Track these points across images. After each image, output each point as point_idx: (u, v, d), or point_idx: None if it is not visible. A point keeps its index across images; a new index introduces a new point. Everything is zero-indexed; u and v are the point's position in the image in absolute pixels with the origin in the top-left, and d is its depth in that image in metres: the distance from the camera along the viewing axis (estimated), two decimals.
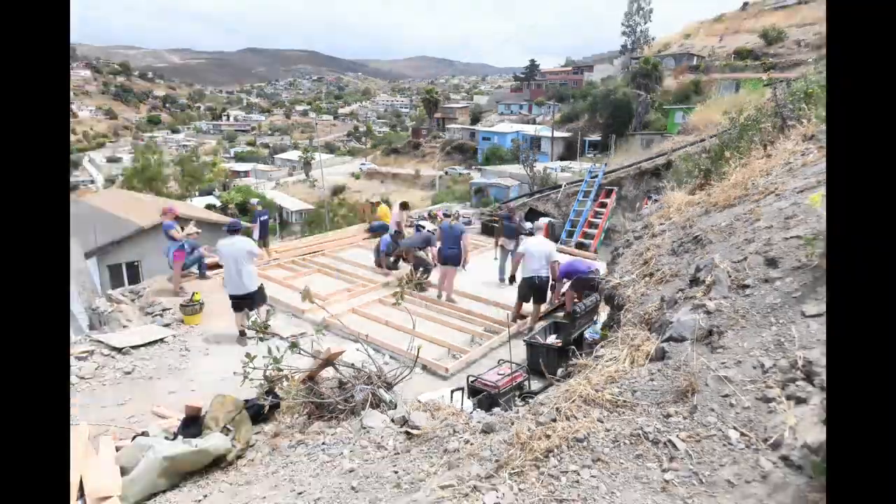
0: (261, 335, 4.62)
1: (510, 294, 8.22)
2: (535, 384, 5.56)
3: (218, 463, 3.90)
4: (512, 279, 8.54)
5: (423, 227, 10.25)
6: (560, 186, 16.45)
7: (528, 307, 7.71)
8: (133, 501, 3.64)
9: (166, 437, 4.19)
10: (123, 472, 3.85)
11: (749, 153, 5.89)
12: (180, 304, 7.86)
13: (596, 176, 15.04)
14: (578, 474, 2.09)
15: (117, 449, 4.20)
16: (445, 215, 13.33)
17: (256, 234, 10.81)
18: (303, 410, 4.26)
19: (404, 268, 10.01)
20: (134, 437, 4.40)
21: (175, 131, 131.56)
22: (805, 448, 1.79)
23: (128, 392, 5.83)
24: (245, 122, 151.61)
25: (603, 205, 14.07)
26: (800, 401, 1.97)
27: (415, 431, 3.45)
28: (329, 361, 4.36)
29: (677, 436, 2.10)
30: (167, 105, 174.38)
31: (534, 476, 2.15)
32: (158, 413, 5.19)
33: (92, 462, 3.99)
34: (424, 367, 6.33)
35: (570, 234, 13.49)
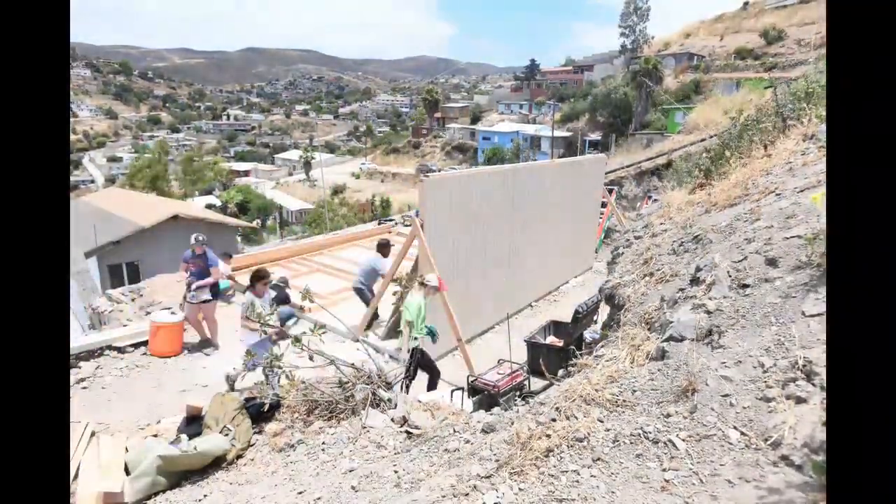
0: (264, 329, 4.53)
1: None
2: (536, 384, 5.56)
3: (218, 462, 3.91)
4: None
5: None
6: None
7: None
8: (135, 499, 3.65)
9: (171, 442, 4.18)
10: (130, 471, 3.87)
11: (749, 153, 5.89)
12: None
13: None
14: (578, 474, 2.09)
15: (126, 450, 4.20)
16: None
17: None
18: (303, 410, 4.25)
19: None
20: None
21: (175, 131, 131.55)
22: (805, 448, 1.79)
23: (128, 391, 5.83)
24: (245, 122, 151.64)
25: (603, 204, 14.06)
26: (800, 401, 1.97)
27: (415, 431, 3.45)
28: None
29: (677, 435, 2.10)
30: (167, 105, 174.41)
31: (534, 475, 2.15)
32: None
33: (93, 460, 3.99)
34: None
35: None
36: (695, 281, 3.23)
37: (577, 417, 2.42)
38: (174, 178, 41.53)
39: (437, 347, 7.11)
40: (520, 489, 2.12)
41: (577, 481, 2.06)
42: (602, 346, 3.65)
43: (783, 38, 42.53)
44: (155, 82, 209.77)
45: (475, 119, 69.23)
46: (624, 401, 2.43)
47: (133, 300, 8.59)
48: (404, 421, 3.68)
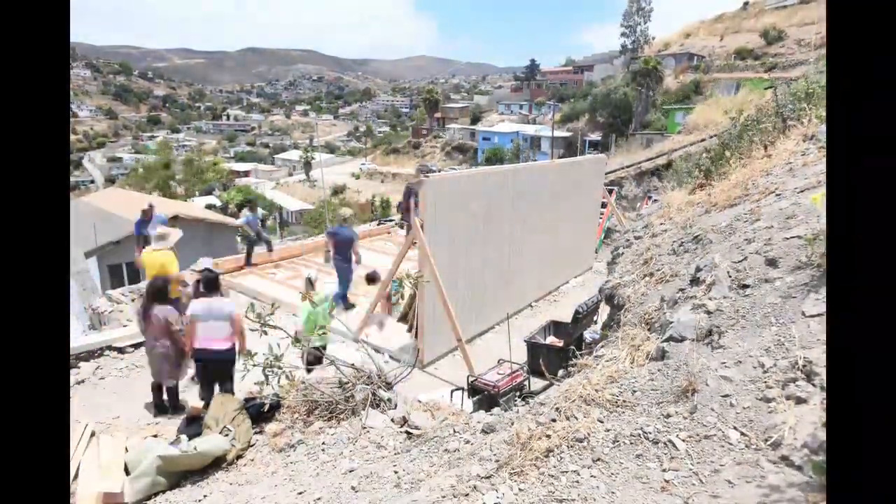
0: (264, 329, 4.47)
1: None
2: (536, 384, 5.56)
3: (218, 463, 3.91)
4: None
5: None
6: None
7: None
8: (135, 500, 3.65)
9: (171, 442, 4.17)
10: (130, 471, 3.87)
11: (749, 153, 5.90)
12: None
13: None
14: (578, 474, 2.09)
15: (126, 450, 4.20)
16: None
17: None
18: (303, 410, 4.25)
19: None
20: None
21: (175, 131, 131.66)
22: (805, 448, 1.79)
23: (128, 391, 5.83)
24: (245, 123, 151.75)
25: (603, 205, 14.05)
26: (800, 401, 1.97)
27: (415, 431, 3.45)
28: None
29: (677, 436, 2.10)
30: (167, 105, 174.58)
31: (534, 476, 2.15)
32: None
33: (93, 460, 3.99)
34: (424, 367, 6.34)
35: None
36: (695, 281, 3.23)
37: (577, 418, 2.42)
38: (178, 179, 41.56)
39: (438, 347, 7.12)
40: (520, 489, 2.12)
41: (577, 482, 2.06)
42: (602, 347, 3.65)
43: (783, 38, 42.57)
44: (155, 82, 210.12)
45: (475, 119, 69.26)
46: (624, 401, 2.43)
47: (133, 300, 8.57)
48: (404, 421, 3.68)
